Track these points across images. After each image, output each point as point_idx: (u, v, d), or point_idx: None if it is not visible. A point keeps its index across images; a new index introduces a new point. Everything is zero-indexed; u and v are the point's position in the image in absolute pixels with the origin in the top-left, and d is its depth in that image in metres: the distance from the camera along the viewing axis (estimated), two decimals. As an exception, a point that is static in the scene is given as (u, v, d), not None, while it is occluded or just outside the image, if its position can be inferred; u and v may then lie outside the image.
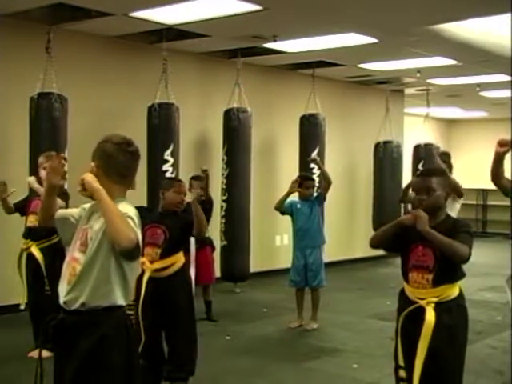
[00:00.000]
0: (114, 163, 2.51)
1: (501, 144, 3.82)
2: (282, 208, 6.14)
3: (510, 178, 4.01)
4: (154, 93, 6.97)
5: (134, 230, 2.37)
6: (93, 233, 2.46)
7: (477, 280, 8.73)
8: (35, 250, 4.94)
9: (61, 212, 2.63)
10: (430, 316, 3.01)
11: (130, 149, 2.55)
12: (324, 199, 6.37)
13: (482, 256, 11.30)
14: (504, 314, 6.35)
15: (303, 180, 6.31)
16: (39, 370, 2.52)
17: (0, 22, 6.36)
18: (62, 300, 2.49)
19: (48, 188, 2.56)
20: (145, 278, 4.04)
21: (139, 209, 2.60)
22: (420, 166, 10.13)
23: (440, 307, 3.04)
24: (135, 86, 7.54)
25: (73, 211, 2.64)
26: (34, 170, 5.54)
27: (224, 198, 7.51)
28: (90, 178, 2.44)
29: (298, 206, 6.17)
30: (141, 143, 7.31)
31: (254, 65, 8.65)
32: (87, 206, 2.60)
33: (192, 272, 5.51)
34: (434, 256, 3.05)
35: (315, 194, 6.35)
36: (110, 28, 6.89)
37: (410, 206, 6.67)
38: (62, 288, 2.50)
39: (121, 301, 2.47)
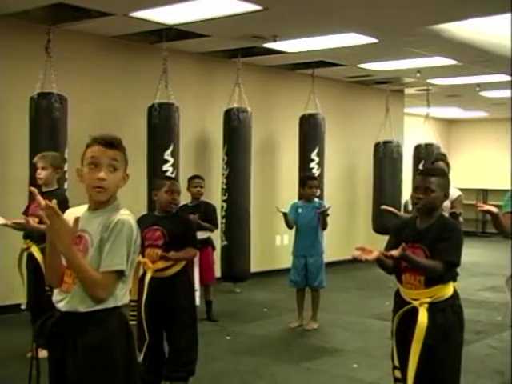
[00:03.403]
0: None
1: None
2: (291, 222, 6.16)
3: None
4: (154, 93, 6.97)
5: (106, 285, 2.36)
6: (92, 239, 2.43)
7: (477, 280, 8.72)
8: (35, 251, 4.93)
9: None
10: (423, 317, 3.01)
11: None
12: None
13: (482, 256, 11.33)
14: (504, 314, 6.34)
15: (306, 179, 6.32)
16: (34, 370, 2.51)
17: (0, 22, 6.36)
18: (61, 307, 2.45)
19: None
20: (147, 278, 4.05)
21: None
22: (421, 166, 10.12)
23: (434, 307, 3.05)
24: (135, 85, 7.54)
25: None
26: (33, 170, 5.54)
27: (224, 198, 7.50)
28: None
29: (300, 210, 6.17)
30: (141, 143, 7.39)
31: (253, 65, 8.66)
32: (69, 212, 2.56)
33: (196, 273, 5.51)
34: (425, 257, 3.05)
35: (318, 200, 6.34)
36: (110, 28, 6.89)
37: (411, 206, 6.65)
38: (59, 296, 2.47)
39: (122, 300, 2.48)
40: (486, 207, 3.98)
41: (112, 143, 2.44)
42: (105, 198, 2.44)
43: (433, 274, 3.02)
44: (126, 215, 2.44)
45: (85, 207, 2.55)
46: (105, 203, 2.47)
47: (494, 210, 4.01)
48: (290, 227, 6.22)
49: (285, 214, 6.07)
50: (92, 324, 2.40)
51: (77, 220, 2.38)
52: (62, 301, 2.46)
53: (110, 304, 2.42)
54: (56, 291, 2.50)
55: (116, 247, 2.37)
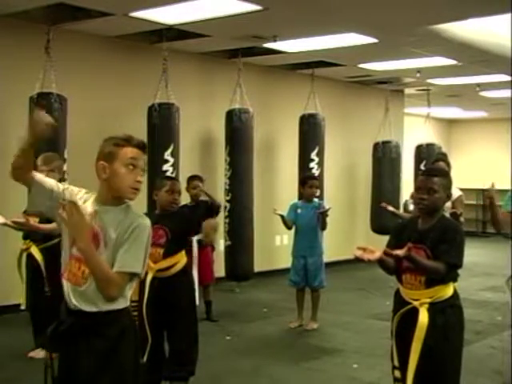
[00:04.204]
0: None
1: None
2: (291, 222, 6.15)
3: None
4: (154, 93, 6.97)
5: (120, 284, 2.37)
6: (107, 238, 2.41)
7: (477, 280, 8.72)
8: (35, 251, 4.93)
9: (42, 179, 2.50)
10: (423, 317, 3.01)
11: None
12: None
13: (482, 256, 11.33)
14: (504, 314, 6.34)
15: (306, 179, 6.31)
16: (49, 372, 2.50)
17: (0, 22, 6.36)
18: (72, 302, 2.43)
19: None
20: (148, 279, 4.04)
21: None
22: (422, 166, 10.12)
23: (434, 308, 3.05)
24: (135, 85, 7.54)
25: (56, 184, 2.52)
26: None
27: (227, 198, 7.52)
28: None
29: (299, 210, 6.16)
30: (141, 143, 7.28)
31: (253, 65, 8.65)
32: (82, 194, 2.54)
33: (194, 273, 5.52)
34: (427, 257, 3.05)
35: (317, 201, 6.34)
36: (110, 28, 6.89)
37: (411, 206, 6.64)
38: (69, 288, 2.44)
39: (129, 301, 2.50)
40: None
41: (145, 147, 2.56)
42: (135, 198, 2.50)
43: (435, 276, 3.02)
44: (144, 218, 2.48)
45: (89, 196, 2.53)
46: (116, 201, 2.48)
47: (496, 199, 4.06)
48: (288, 228, 6.22)
49: (282, 216, 6.08)
50: (105, 325, 2.41)
51: (92, 214, 2.42)
52: (72, 295, 2.43)
53: (120, 305, 2.43)
54: (65, 282, 2.47)
55: (135, 250, 2.39)
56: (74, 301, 2.42)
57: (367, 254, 2.93)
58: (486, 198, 4.12)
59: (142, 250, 2.41)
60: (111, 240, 2.41)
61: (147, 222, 2.47)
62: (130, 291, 2.48)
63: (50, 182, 2.51)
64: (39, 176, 2.49)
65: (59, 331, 2.46)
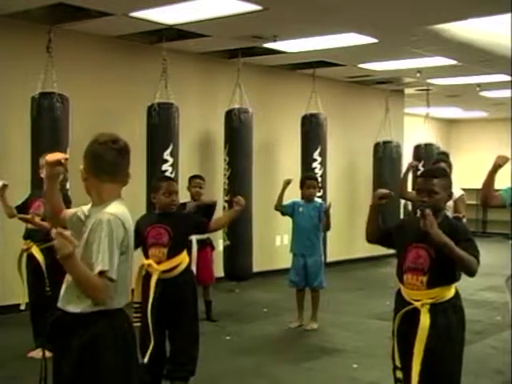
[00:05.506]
0: (102, 163, 2.50)
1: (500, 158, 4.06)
2: (282, 208, 6.13)
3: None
4: (154, 93, 6.97)
5: (102, 287, 2.37)
6: (83, 241, 2.45)
7: (477, 280, 8.60)
8: (35, 251, 4.93)
9: (68, 212, 2.66)
10: (425, 318, 3.01)
11: (116, 146, 2.51)
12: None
13: (482, 256, 11.28)
14: (504, 314, 6.34)
15: (305, 180, 6.31)
16: (43, 370, 2.52)
17: (0, 22, 6.36)
18: (59, 300, 2.52)
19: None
20: (153, 280, 4.02)
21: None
22: (420, 166, 10.11)
23: (435, 308, 3.04)
24: (135, 85, 7.54)
25: (76, 210, 2.66)
26: (34, 170, 5.54)
27: (226, 198, 7.51)
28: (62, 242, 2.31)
29: (300, 209, 6.15)
30: (140, 143, 7.38)
31: (253, 65, 8.66)
32: (86, 208, 2.60)
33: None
34: (429, 258, 3.04)
35: (319, 201, 6.33)
36: (110, 28, 6.89)
37: (410, 206, 6.63)
38: (62, 289, 2.53)
39: (116, 305, 2.47)
40: None
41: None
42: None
43: (469, 269, 2.97)
44: (107, 213, 2.43)
45: None
46: (96, 202, 2.53)
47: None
48: (277, 207, 6.12)
49: (283, 190, 6.03)
50: (81, 324, 2.43)
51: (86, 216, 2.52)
52: (61, 294, 2.52)
53: (93, 308, 2.42)
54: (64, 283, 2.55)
55: (101, 248, 2.38)
56: (60, 300, 2.51)
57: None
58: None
59: (105, 248, 2.37)
60: (84, 239, 2.45)
61: (108, 216, 2.41)
62: (117, 295, 2.46)
63: (71, 212, 2.65)
64: (66, 213, 2.66)
65: (48, 325, 2.52)
